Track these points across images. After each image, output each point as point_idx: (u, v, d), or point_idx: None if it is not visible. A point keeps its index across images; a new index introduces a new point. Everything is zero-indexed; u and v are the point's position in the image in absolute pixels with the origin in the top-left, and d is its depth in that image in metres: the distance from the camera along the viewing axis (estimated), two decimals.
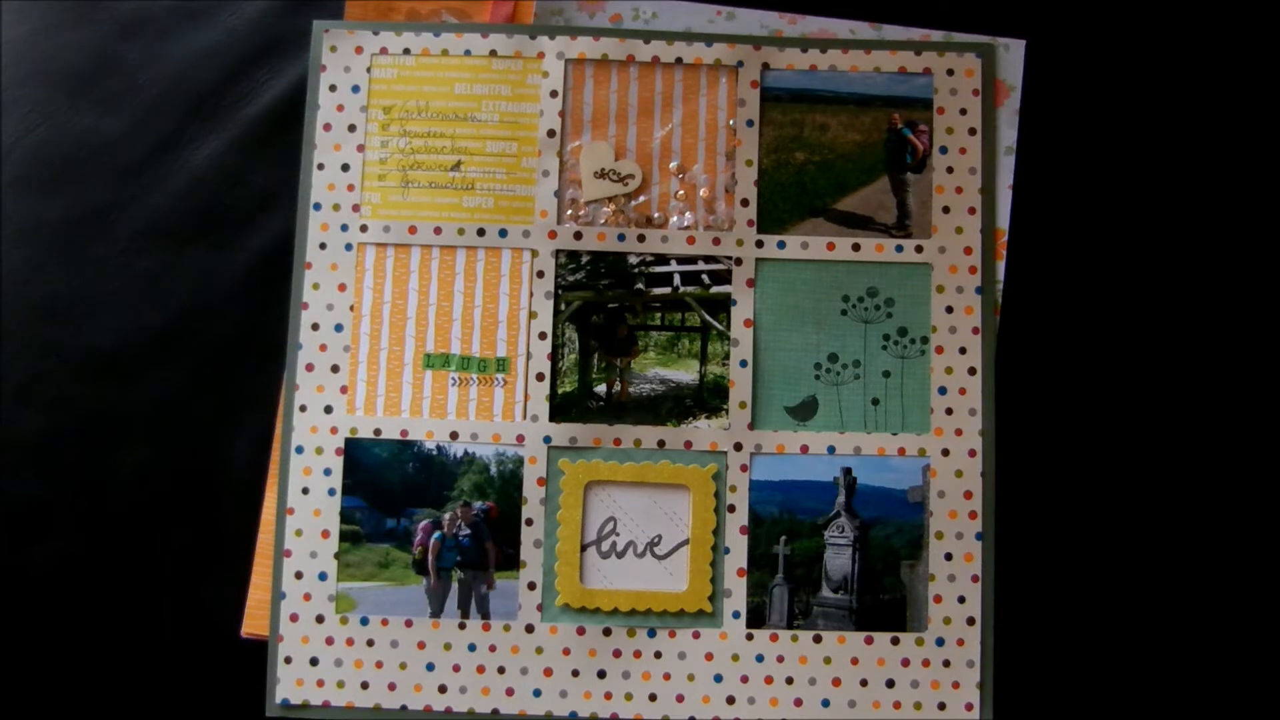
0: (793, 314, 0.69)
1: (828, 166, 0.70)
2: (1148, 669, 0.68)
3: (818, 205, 0.70)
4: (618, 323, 0.69)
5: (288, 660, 0.66)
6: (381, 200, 0.69)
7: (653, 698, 0.66)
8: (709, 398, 0.68)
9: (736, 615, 0.67)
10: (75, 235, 0.71)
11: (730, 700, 0.66)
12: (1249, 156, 0.71)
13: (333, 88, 0.70)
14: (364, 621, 0.67)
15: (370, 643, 0.66)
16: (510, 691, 0.66)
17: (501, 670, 0.66)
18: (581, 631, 0.66)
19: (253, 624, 0.67)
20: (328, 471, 0.67)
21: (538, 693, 0.66)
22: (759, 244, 0.69)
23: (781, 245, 0.69)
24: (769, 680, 0.66)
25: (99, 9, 0.73)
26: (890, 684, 0.66)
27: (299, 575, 0.67)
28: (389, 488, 0.68)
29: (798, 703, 0.66)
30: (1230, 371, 0.70)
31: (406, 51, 0.70)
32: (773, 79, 0.70)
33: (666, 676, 0.66)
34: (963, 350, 0.69)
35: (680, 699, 0.66)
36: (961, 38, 0.71)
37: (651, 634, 0.67)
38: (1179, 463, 0.69)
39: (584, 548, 0.67)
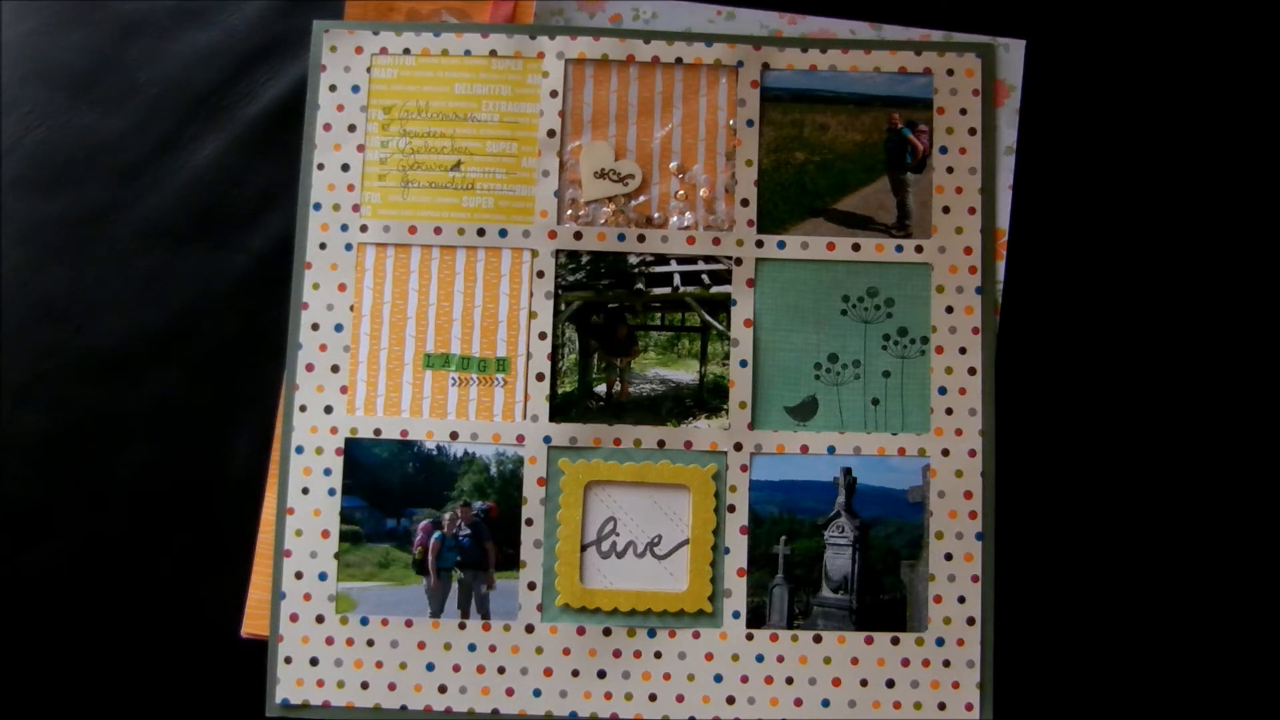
0: (793, 314, 0.69)
1: (828, 166, 0.70)
2: (1148, 669, 0.68)
3: (818, 205, 0.70)
4: (618, 323, 0.69)
5: (288, 660, 0.66)
6: (381, 200, 0.69)
7: (653, 698, 0.66)
8: (709, 398, 0.68)
9: (736, 615, 0.67)
10: (75, 235, 0.71)
11: (730, 700, 0.66)
12: (1249, 156, 0.71)
13: (333, 88, 0.70)
14: (364, 621, 0.67)
15: (370, 643, 0.66)
16: (510, 691, 0.66)
17: (501, 670, 0.66)
18: (581, 631, 0.66)
19: (253, 624, 0.67)
20: (328, 471, 0.67)
21: (538, 693, 0.66)
22: (759, 244, 0.69)
23: (781, 245, 0.69)
24: (769, 680, 0.66)
25: (99, 9, 0.73)
26: (890, 684, 0.66)
27: (299, 575, 0.67)
28: (389, 488, 0.68)
29: (798, 703, 0.66)
30: (1230, 371, 0.70)
31: (406, 51, 0.70)
32: (773, 79, 0.70)
33: (666, 676, 0.66)
34: (963, 350, 0.69)
35: (680, 699, 0.66)
36: (961, 38, 0.71)
37: (651, 634, 0.67)
38: (1179, 463, 0.69)
39: (584, 548, 0.67)
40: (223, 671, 0.67)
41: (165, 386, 0.70)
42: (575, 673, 0.66)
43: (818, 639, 0.67)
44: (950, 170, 0.70)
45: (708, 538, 0.67)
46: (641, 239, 0.69)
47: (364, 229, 0.69)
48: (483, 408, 0.68)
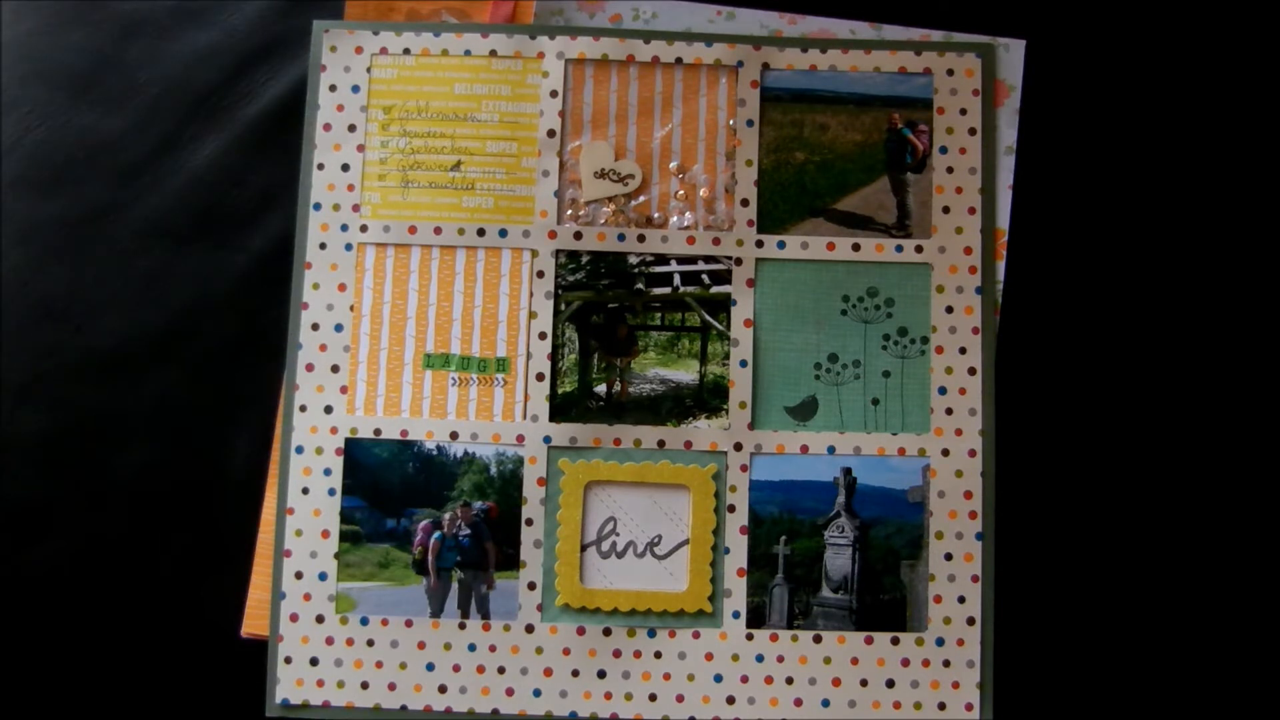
0: (793, 314, 0.69)
1: (828, 166, 0.70)
2: (1148, 669, 0.68)
3: (818, 205, 0.70)
4: (618, 323, 0.69)
5: (288, 660, 0.66)
6: (381, 200, 0.69)
7: (653, 698, 0.66)
8: (709, 398, 0.68)
9: (736, 615, 0.67)
10: (75, 235, 0.71)
11: (730, 700, 0.66)
12: (1249, 156, 0.71)
13: (333, 88, 0.70)
14: (364, 621, 0.67)
15: (370, 643, 0.66)
16: (510, 691, 0.66)
17: (501, 670, 0.66)
18: (581, 631, 0.66)
19: (253, 624, 0.67)
20: (328, 471, 0.67)
21: (538, 693, 0.66)
22: (759, 244, 0.69)
23: (781, 245, 0.69)
24: (769, 680, 0.66)
25: (99, 9, 0.73)
26: (890, 684, 0.66)
27: (299, 575, 0.67)
28: (389, 488, 0.68)
29: (798, 703, 0.66)
30: (1230, 371, 0.70)
31: (406, 51, 0.70)
32: (773, 79, 0.70)
33: (666, 676, 0.66)
34: (963, 350, 0.69)
35: (680, 699, 0.66)
36: (961, 38, 0.71)
37: (651, 634, 0.67)
38: (1179, 463, 0.69)
39: (584, 548, 0.67)
40: (223, 671, 0.67)
41: (165, 386, 0.70)
42: (575, 673, 0.66)
43: (818, 639, 0.67)
44: (950, 170, 0.70)
45: (708, 538, 0.67)
46: (641, 239, 0.69)
47: (364, 229, 0.69)
48: (483, 408, 0.68)
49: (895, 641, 0.67)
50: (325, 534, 0.67)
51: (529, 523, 0.67)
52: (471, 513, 0.67)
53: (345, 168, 0.69)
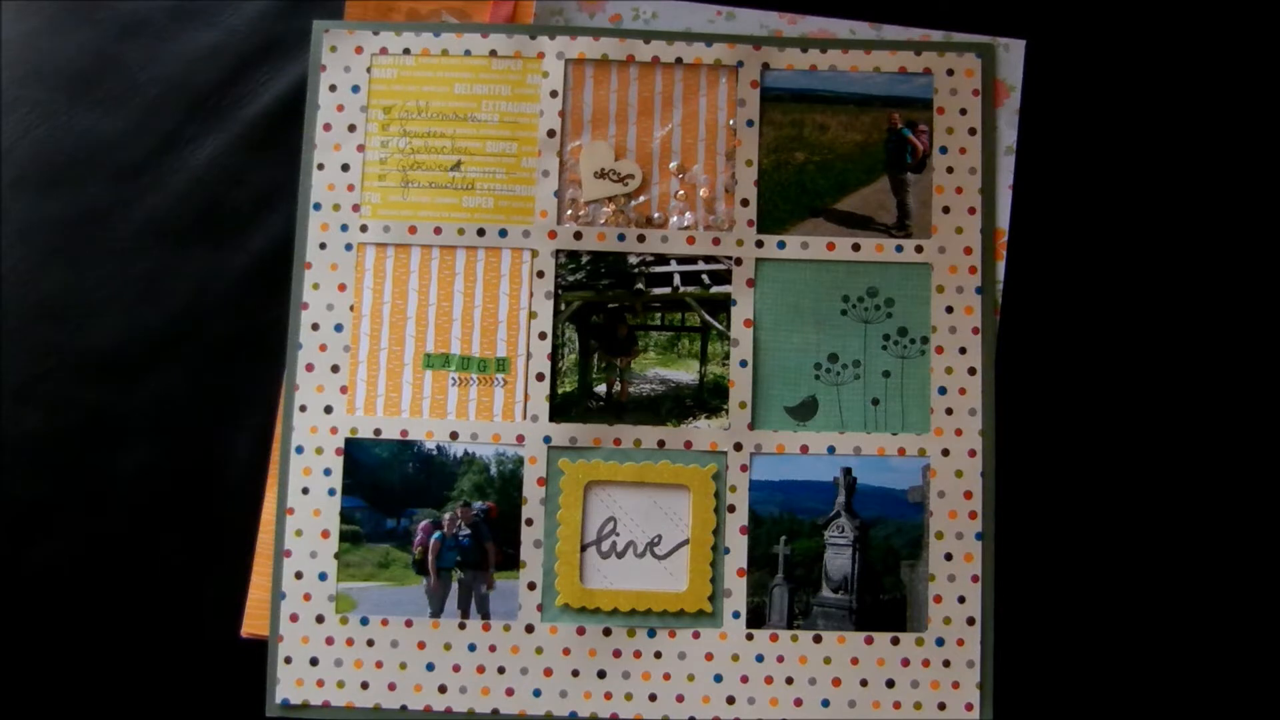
0: (793, 314, 0.69)
1: (828, 166, 0.70)
2: (1148, 669, 0.68)
3: (818, 205, 0.70)
4: (618, 323, 0.69)
5: (288, 660, 0.66)
6: (381, 200, 0.69)
7: (653, 698, 0.66)
8: (709, 398, 0.68)
9: (736, 615, 0.67)
10: (75, 235, 0.71)
11: (730, 700, 0.66)
12: (1249, 156, 0.71)
13: (333, 88, 0.70)
14: (364, 621, 0.67)
15: (370, 643, 0.66)
16: (510, 691, 0.66)
17: (501, 670, 0.66)
18: (581, 631, 0.66)
19: (253, 624, 0.67)
20: (328, 471, 0.68)
21: (538, 693, 0.66)
22: (759, 244, 0.69)
23: (781, 245, 0.69)
24: (769, 680, 0.66)
25: (99, 9, 0.73)
26: (890, 684, 0.66)
27: (299, 575, 0.67)
28: (389, 488, 0.68)
29: (798, 703, 0.66)
30: (1230, 371, 0.70)
31: (406, 51, 0.70)
32: (773, 79, 0.70)
33: (666, 676, 0.66)
34: (963, 350, 0.69)
35: (680, 699, 0.66)
36: (961, 38, 0.71)
37: (651, 634, 0.67)
38: (1179, 463, 0.69)
39: (584, 548, 0.67)
40: (223, 671, 0.67)
41: (165, 386, 0.70)
42: (575, 673, 0.66)
43: (818, 639, 0.67)
44: (950, 170, 0.70)
45: (708, 538, 0.67)
46: (641, 239, 0.69)
47: (364, 229, 0.69)
48: (483, 408, 0.68)
49: (895, 641, 0.67)
50: (325, 534, 0.67)
51: (529, 523, 0.67)
52: (471, 513, 0.67)
53: (345, 168, 0.69)
